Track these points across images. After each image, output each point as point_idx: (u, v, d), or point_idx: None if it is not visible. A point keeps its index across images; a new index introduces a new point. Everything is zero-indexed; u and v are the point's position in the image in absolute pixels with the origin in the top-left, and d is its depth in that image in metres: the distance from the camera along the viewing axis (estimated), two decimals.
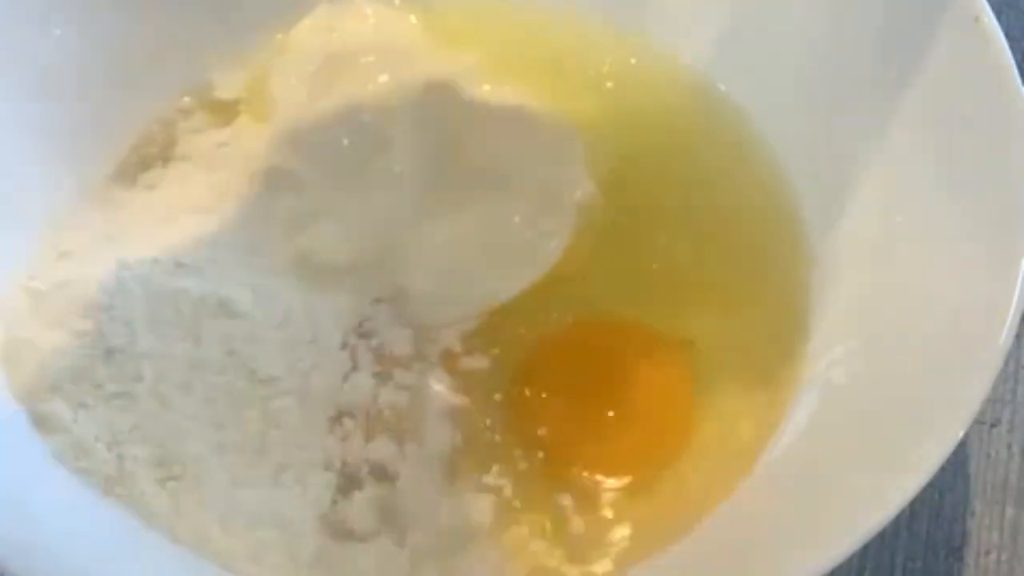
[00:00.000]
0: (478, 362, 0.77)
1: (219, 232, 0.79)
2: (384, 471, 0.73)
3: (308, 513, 0.72)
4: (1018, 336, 0.67)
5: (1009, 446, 0.81)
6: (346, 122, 0.82)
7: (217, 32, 0.87)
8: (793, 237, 0.81)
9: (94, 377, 0.73)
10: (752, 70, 0.85)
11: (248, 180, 0.82)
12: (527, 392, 0.76)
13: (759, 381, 0.77)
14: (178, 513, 0.71)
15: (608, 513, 0.73)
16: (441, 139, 0.82)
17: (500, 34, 0.89)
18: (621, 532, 0.72)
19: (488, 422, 0.75)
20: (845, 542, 0.63)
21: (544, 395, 0.76)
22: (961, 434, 0.65)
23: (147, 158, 0.84)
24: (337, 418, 0.75)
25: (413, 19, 0.89)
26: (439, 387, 0.75)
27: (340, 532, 0.72)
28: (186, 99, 0.86)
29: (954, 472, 0.79)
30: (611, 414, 0.75)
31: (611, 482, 0.73)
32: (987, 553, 0.78)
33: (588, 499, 0.73)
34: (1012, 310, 0.67)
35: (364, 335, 0.77)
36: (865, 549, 0.67)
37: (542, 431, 0.74)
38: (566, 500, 0.73)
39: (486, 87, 0.86)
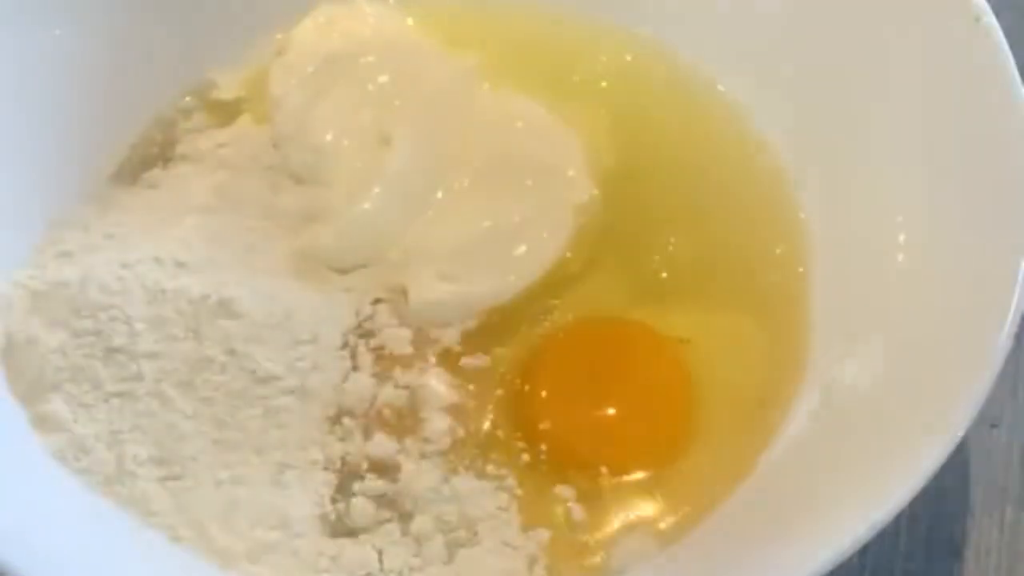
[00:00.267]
0: (478, 360, 0.77)
1: (219, 232, 0.79)
2: (384, 466, 0.73)
3: (308, 512, 0.72)
4: (1018, 336, 0.67)
5: (1009, 446, 0.81)
6: (346, 122, 0.82)
7: (217, 32, 0.87)
8: (793, 237, 0.81)
9: (94, 377, 0.73)
10: (752, 69, 0.85)
11: (248, 180, 0.82)
12: (528, 388, 0.76)
13: (759, 381, 0.77)
14: (178, 513, 0.71)
15: (609, 509, 0.73)
16: (441, 139, 0.82)
17: (500, 34, 0.89)
18: (622, 529, 0.72)
19: (490, 417, 0.75)
20: (845, 542, 0.62)
21: (545, 392, 0.76)
22: (961, 434, 0.65)
23: (147, 158, 0.84)
24: (337, 417, 0.75)
25: (412, 20, 0.89)
26: (439, 385, 0.75)
27: (340, 531, 0.72)
28: (187, 99, 0.86)
29: (954, 472, 0.79)
30: (611, 412, 0.75)
31: (612, 479, 0.73)
32: (987, 553, 0.78)
33: (590, 494, 0.73)
34: (1012, 310, 0.67)
35: (364, 335, 0.77)
36: (865, 549, 0.66)
37: (544, 425, 0.75)
38: (568, 494, 0.73)
39: (486, 87, 0.86)
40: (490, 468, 0.73)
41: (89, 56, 0.82)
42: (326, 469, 0.73)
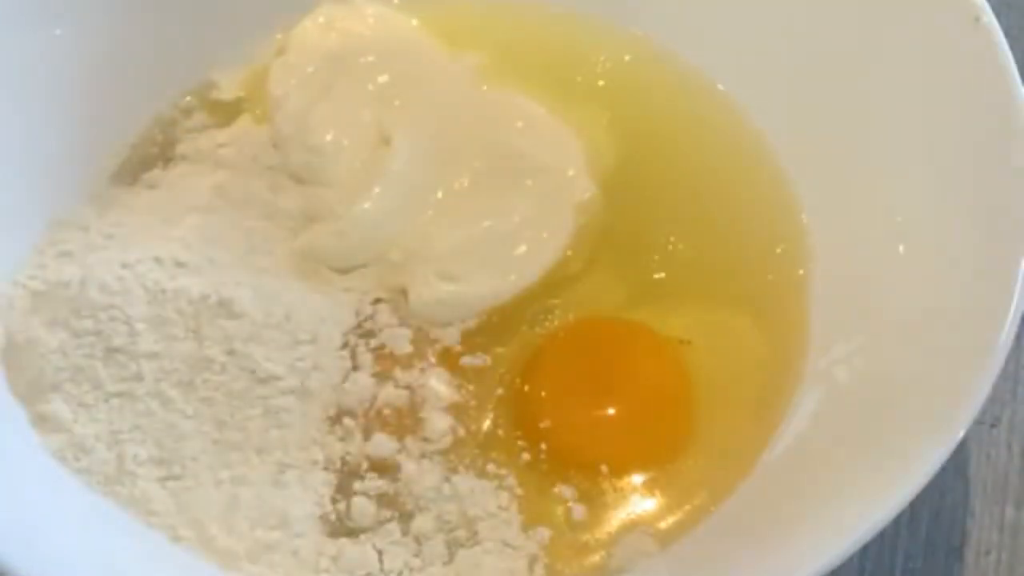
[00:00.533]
0: (479, 360, 0.77)
1: (219, 232, 0.79)
2: (385, 466, 0.73)
3: (308, 512, 0.72)
4: (1018, 336, 0.67)
5: (1009, 446, 0.81)
6: (346, 122, 0.82)
7: (217, 32, 0.87)
8: (793, 237, 0.81)
9: (94, 377, 0.73)
10: (752, 69, 0.85)
11: (248, 180, 0.82)
12: (528, 388, 0.76)
13: (759, 381, 0.77)
14: (178, 513, 0.71)
15: (610, 509, 0.73)
16: (441, 139, 0.82)
17: (500, 34, 0.89)
18: (623, 528, 0.72)
19: (490, 417, 0.75)
20: (844, 542, 0.62)
21: (545, 392, 0.76)
22: (961, 434, 0.65)
23: (147, 158, 0.84)
24: (337, 417, 0.75)
25: (413, 20, 0.89)
26: (439, 385, 0.75)
27: (340, 531, 0.72)
28: (187, 99, 0.86)
29: (954, 472, 0.79)
30: (611, 411, 0.75)
31: (613, 478, 0.73)
32: (987, 553, 0.78)
33: (590, 494, 0.73)
34: (1012, 310, 0.67)
35: (364, 335, 0.77)
36: (865, 549, 0.67)
37: (544, 424, 0.75)
38: (568, 493, 0.73)
39: (485, 87, 0.86)
40: (490, 467, 0.73)
41: (89, 56, 0.82)
42: (326, 469, 0.73)
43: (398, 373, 0.76)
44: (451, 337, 0.77)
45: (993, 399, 0.80)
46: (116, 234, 0.78)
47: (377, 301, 0.79)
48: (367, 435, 0.74)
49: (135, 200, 0.82)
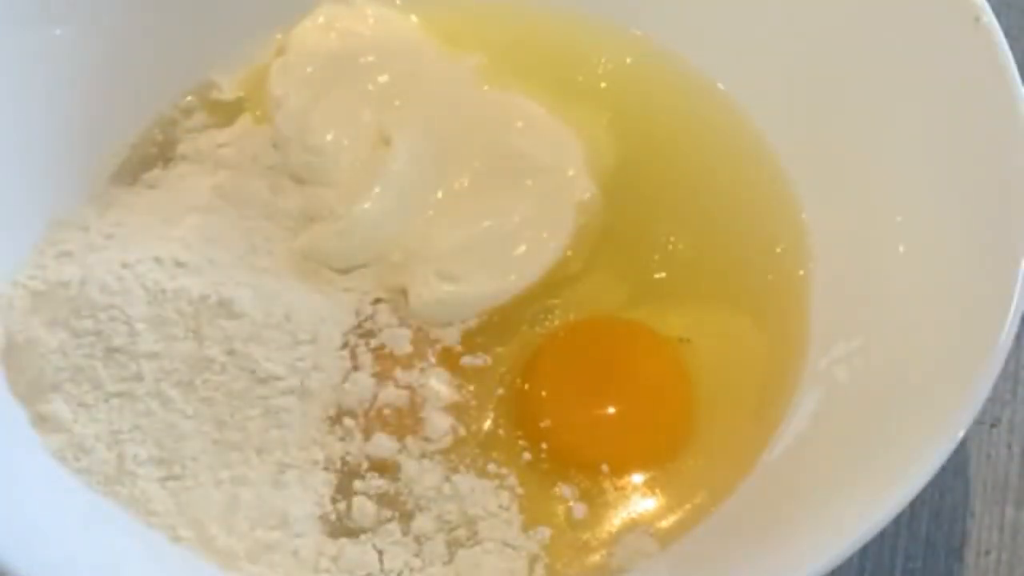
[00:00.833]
0: (479, 360, 0.77)
1: (219, 232, 0.79)
2: (385, 465, 0.73)
3: (308, 512, 0.72)
4: (1018, 336, 0.67)
5: (1009, 446, 0.81)
6: (346, 122, 0.82)
7: (217, 32, 0.87)
8: (793, 237, 0.82)
9: (94, 377, 0.73)
10: (752, 70, 0.85)
11: (248, 180, 0.82)
12: (529, 387, 0.76)
13: (759, 381, 0.77)
14: (178, 513, 0.71)
15: (610, 508, 0.73)
16: (441, 139, 0.82)
17: (500, 35, 0.89)
18: (623, 528, 0.72)
19: (490, 416, 0.75)
20: (844, 542, 0.63)
21: (546, 391, 0.76)
22: (961, 434, 0.65)
23: (147, 158, 0.84)
24: (337, 417, 0.75)
25: (413, 19, 0.89)
26: (440, 384, 0.76)
27: (340, 531, 0.72)
28: (187, 99, 0.86)
29: (954, 472, 0.79)
30: (612, 411, 0.76)
31: (613, 478, 0.73)
32: (987, 553, 0.78)
33: (591, 493, 0.73)
34: (1012, 310, 0.67)
35: (364, 335, 0.77)
36: (865, 549, 0.67)
37: (545, 424, 0.75)
38: (569, 493, 0.73)
39: (486, 88, 0.86)
40: (491, 467, 0.73)
41: (89, 56, 0.82)
42: (326, 469, 0.73)
43: (398, 373, 0.76)
44: (451, 337, 0.77)
45: (993, 399, 0.80)
46: (116, 234, 0.78)
47: (377, 301, 0.79)
48: (367, 435, 0.74)
49: (135, 200, 0.82)
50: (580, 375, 0.76)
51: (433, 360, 0.77)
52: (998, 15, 0.75)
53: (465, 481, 0.73)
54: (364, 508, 0.72)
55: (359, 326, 0.78)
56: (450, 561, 0.71)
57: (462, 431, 0.75)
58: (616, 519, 0.73)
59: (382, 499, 0.73)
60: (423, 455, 0.74)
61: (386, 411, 0.75)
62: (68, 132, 0.82)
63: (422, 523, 0.72)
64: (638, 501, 0.73)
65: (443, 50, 0.87)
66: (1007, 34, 0.74)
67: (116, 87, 0.84)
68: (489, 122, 0.84)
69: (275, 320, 0.75)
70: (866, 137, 0.80)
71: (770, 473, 0.73)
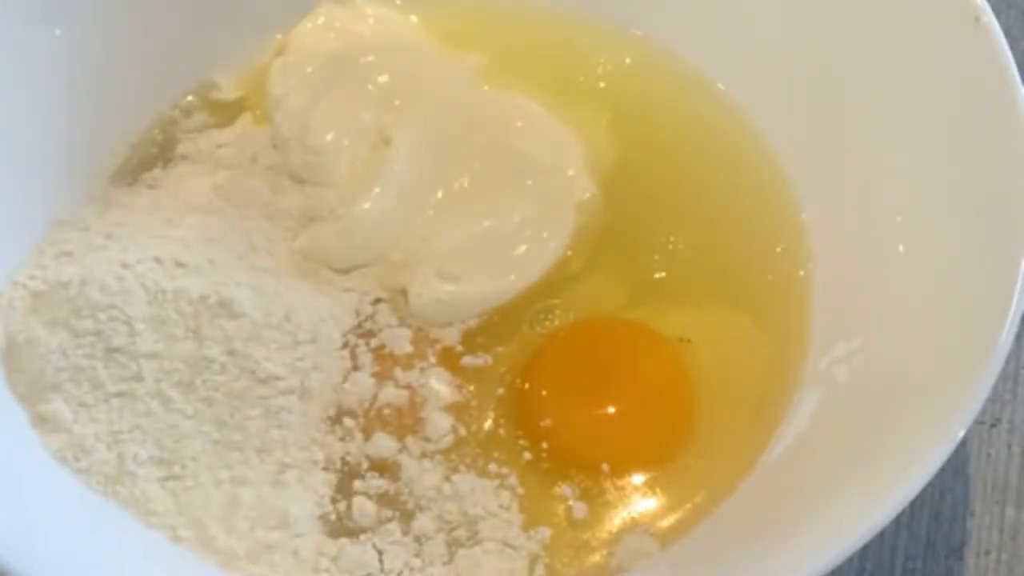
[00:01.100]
0: (479, 360, 0.77)
1: (219, 232, 0.79)
2: (385, 465, 0.73)
3: (308, 512, 0.72)
4: (1018, 336, 0.67)
5: (1009, 446, 0.81)
6: (346, 122, 0.82)
7: (217, 32, 0.87)
8: (793, 237, 0.82)
9: (94, 377, 0.73)
10: (752, 69, 0.85)
11: (248, 180, 0.82)
12: (529, 387, 0.76)
13: (759, 381, 0.77)
14: (178, 513, 0.71)
15: (611, 508, 0.73)
16: (441, 139, 0.82)
17: (500, 35, 0.89)
18: (623, 528, 0.72)
19: (491, 416, 0.75)
20: (844, 542, 0.62)
21: (546, 391, 0.76)
22: (961, 434, 0.65)
23: (147, 158, 0.84)
24: (337, 417, 0.75)
25: (413, 19, 0.89)
26: (440, 384, 0.76)
27: (340, 531, 0.72)
28: (187, 99, 0.86)
29: (954, 472, 0.79)
30: (612, 410, 0.76)
31: (614, 478, 0.73)
32: (987, 553, 0.78)
33: (591, 493, 0.73)
34: (1012, 310, 0.67)
35: (364, 335, 0.77)
36: (865, 549, 0.67)
37: (545, 423, 0.75)
38: (569, 492, 0.73)
39: (486, 88, 0.86)
40: (491, 467, 0.73)
41: (89, 56, 0.82)
42: (326, 469, 0.73)
43: (398, 373, 0.76)
44: (451, 337, 0.77)
45: (993, 399, 0.80)
46: (116, 234, 0.78)
47: (377, 301, 0.79)
48: (367, 435, 0.74)
49: (135, 200, 0.82)
50: (580, 375, 0.76)
51: (433, 360, 0.77)
52: (998, 15, 0.75)
53: (465, 481, 0.73)
54: (364, 508, 0.72)
55: (359, 326, 0.78)
56: (450, 561, 0.71)
57: (462, 431, 0.75)
58: (616, 519, 0.73)
59: (382, 499, 0.73)
60: (423, 455, 0.74)
61: (386, 411, 0.75)
62: (68, 132, 0.82)
63: (422, 523, 0.72)
64: (638, 501, 0.73)
65: (443, 50, 0.87)
66: (1007, 34, 0.74)
67: (116, 87, 0.84)
68: (489, 122, 0.84)
69: (275, 320, 0.75)
70: (866, 137, 0.80)
71: (770, 473, 0.73)
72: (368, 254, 0.80)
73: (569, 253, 0.80)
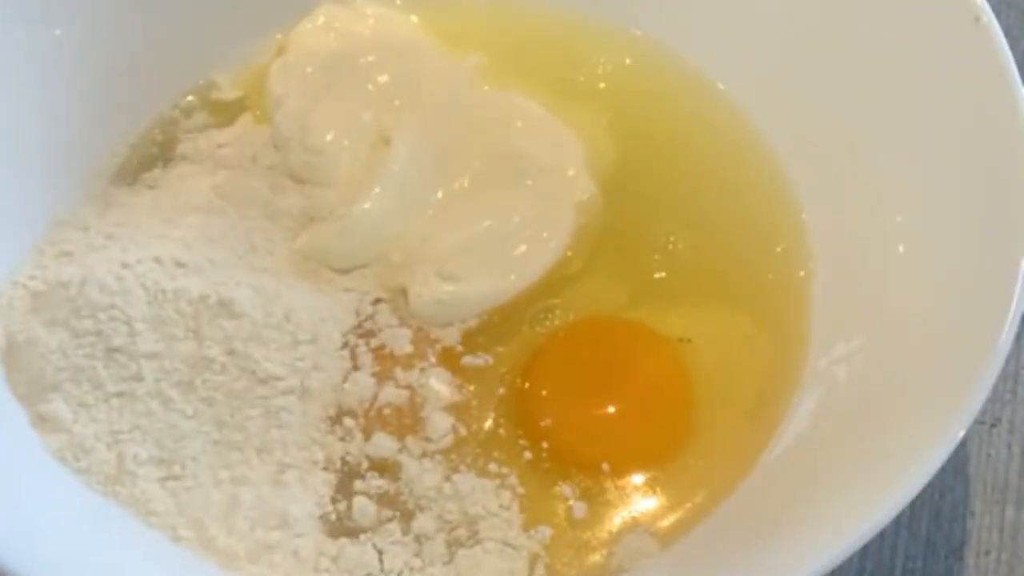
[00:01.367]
0: (479, 360, 0.77)
1: (219, 232, 0.79)
2: (385, 465, 0.73)
3: (309, 512, 0.72)
4: (1018, 336, 0.67)
5: (1009, 446, 0.81)
6: (346, 122, 0.82)
7: (217, 32, 0.87)
8: (793, 237, 0.82)
9: (94, 377, 0.73)
10: (752, 70, 0.85)
11: (248, 180, 0.82)
12: (529, 387, 0.76)
13: (759, 381, 0.77)
14: (178, 513, 0.71)
15: (611, 508, 0.73)
16: (441, 139, 0.82)
17: (500, 35, 0.89)
18: (624, 527, 0.72)
19: (491, 416, 0.75)
20: (844, 542, 0.62)
21: (546, 391, 0.76)
22: (961, 434, 0.65)
23: (147, 158, 0.84)
24: (337, 417, 0.75)
25: (413, 19, 0.89)
26: (440, 384, 0.76)
27: (340, 531, 0.72)
28: (187, 99, 0.86)
29: (954, 472, 0.79)
30: (612, 410, 0.76)
31: (614, 477, 0.73)
32: (987, 553, 0.78)
33: (592, 492, 0.73)
34: (1012, 310, 0.67)
35: (364, 335, 0.77)
36: (865, 549, 0.67)
37: (546, 423, 0.75)
38: (570, 492, 0.73)
39: (486, 88, 0.86)
40: (492, 467, 0.73)
41: (89, 56, 0.82)
42: (326, 469, 0.73)
43: (398, 373, 0.76)
44: (452, 337, 0.77)
45: (993, 399, 0.80)
46: (116, 234, 0.78)
47: (377, 301, 0.79)
48: (367, 435, 0.74)
49: (135, 200, 0.82)
50: (580, 375, 0.76)
51: (433, 360, 0.77)
52: (998, 15, 0.75)
53: (466, 481, 0.73)
54: (364, 508, 0.72)
55: (359, 326, 0.78)
56: (450, 561, 0.71)
57: (463, 431, 0.75)
58: (617, 518, 0.73)
59: (382, 499, 0.73)
60: (423, 455, 0.74)
61: (386, 411, 0.75)
62: (68, 132, 0.82)
63: (422, 523, 0.72)
64: (638, 500, 0.73)
65: (443, 50, 0.87)
66: (1007, 34, 0.74)
67: (116, 87, 0.84)
68: (489, 122, 0.84)
69: (275, 320, 0.75)
70: (866, 137, 0.80)
71: (770, 473, 0.73)
72: (368, 254, 0.80)
73: (569, 253, 0.81)
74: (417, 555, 0.71)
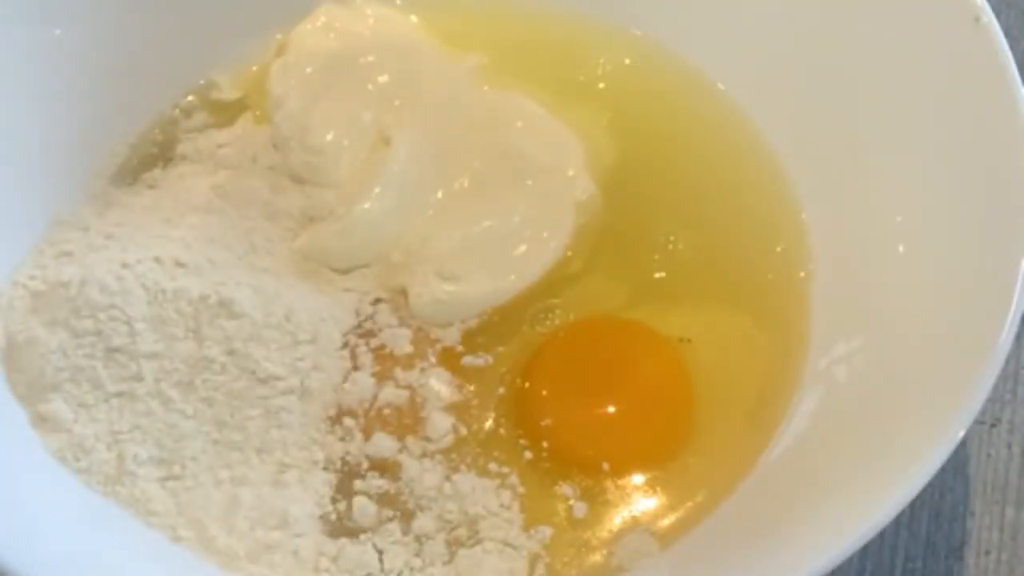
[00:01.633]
0: (480, 360, 0.77)
1: (219, 232, 0.79)
2: (386, 465, 0.73)
3: (309, 512, 0.72)
4: (1018, 336, 0.67)
5: (1009, 446, 0.81)
6: (346, 122, 0.82)
7: (217, 32, 0.87)
8: (793, 237, 0.82)
9: (94, 377, 0.73)
10: (752, 69, 0.85)
11: (248, 180, 0.82)
12: (529, 387, 0.76)
13: (759, 381, 0.77)
14: (178, 513, 0.71)
15: (611, 507, 0.73)
16: (441, 139, 0.82)
17: (500, 35, 0.89)
18: (624, 527, 0.72)
19: (491, 416, 0.75)
20: (844, 542, 0.62)
21: (546, 391, 0.76)
22: (961, 434, 0.65)
23: (147, 158, 0.84)
24: (337, 417, 0.75)
25: (413, 19, 0.89)
26: (440, 384, 0.76)
27: (341, 531, 0.72)
28: (188, 99, 0.86)
29: (954, 472, 0.79)
30: (612, 410, 0.76)
31: (614, 477, 0.73)
32: (987, 553, 0.78)
33: (592, 492, 0.73)
34: (1012, 310, 0.67)
35: (364, 335, 0.77)
36: (865, 549, 0.67)
37: (546, 423, 0.75)
38: (570, 491, 0.73)
39: (486, 88, 0.86)
40: (492, 466, 0.73)
41: (89, 56, 0.82)
42: (326, 469, 0.73)
43: (398, 373, 0.76)
44: (452, 337, 0.78)
45: (993, 399, 0.80)
46: (116, 234, 0.78)
47: (377, 301, 0.79)
48: (367, 435, 0.74)
49: (135, 200, 0.82)
50: (581, 375, 0.76)
51: (433, 360, 0.77)
52: (998, 15, 0.75)
53: (466, 480, 0.73)
54: (365, 508, 0.72)
55: (359, 326, 0.78)
56: (451, 561, 0.71)
57: (463, 431, 0.75)
58: (617, 518, 0.73)
59: (383, 499, 0.73)
60: (424, 455, 0.74)
61: (386, 411, 0.75)
62: (68, 132, 0.82)
63: (423, 523, 0.72)
64: (639, 500, 0.73)
65: (443, 50, 0.87)
66: (1007, 34, 0.74)
67: (116, 87, 0.84)
68: (489, 122, 0.84)
69: (275, 320, 0.75)
70: (866, 137, 0.80)
71: (770, 473, 0.73)
72: (368, 254, 0.80)
73: (569, 253, 0.81)
74: (417, 555, 0.71)
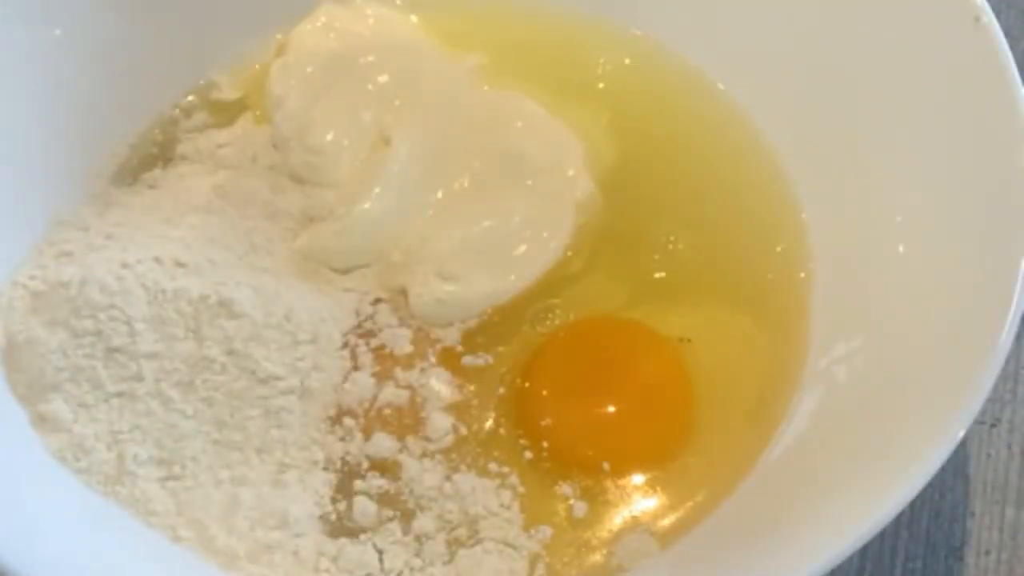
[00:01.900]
0: (480, 360, 0.77)
1: (219, 232, 0.79)
2: (386, 465, 0.73)
3: (309, 512, 0.72)
4: (1018, 336, 0.67)
5: (1009, 446, 0.81)
6: (346, 122, 0.82)
7: (217, 32, 0.87)
8: (793, 237, 0.82)
9: (94, 377, 0.73)
10: (752, 70, 0.85)
11: (248, 180, 0.82)
12: (529, 386, 0.76)
13: (759, 381, 0.77)
14: (178, 513, 0.71)
15: (611, 507, 0.73)
16: (441, 139, 0.82)
17: (500, 35, 0.89)
18: (624, 527, 0.72)
19: (491, 415, 0.75)
20: (844, 542, 0.62)
21: (546, 391, 0.76)
22: (961, 434, 0.65)
23: (147, 158, 0.84)
24: (337, 417, 0.75)
25: (413, 19, 0.89)
26: (440, 384, 0.76)
27: (341, 531, 0.72)
28: (188, 99, 0.86)
29: (954, 472, 0.79)
30: (612, 410, 0.76)
31: (614, 477, 0.73)
32: (987, 553, 0.78)
33: (592, 492, 0.73)
34: (1012, 310, 0.67)
35: (364, 335, 0.77)
36: (865, 549, 0.67)
37: (546, 423, 0.75)
38: (570, 491, 0.73)
39: (486, 88, 0.86)
40: (492, 466, 0.73)
41: (89, 56, 0.82)
42: (326, 469, 0.73)
43: (398, 373, 0.76)
44: (452, 337, 0.78)
45: (993, 399, 0.80)
46: (116, 234, 0.78)
47: (377, 301, 0.79)
48: (367, 435, 0.74)
49: (135, 200, 0.82)
50: (581, 374, 0.76)
51: (433, 360, 0.77)
52: (998, 15, 0.75)
53: (466, 480, 0.73)
54: (365, 508, 0.72)
55: (359, 326, 0.78)
56: (451, 561, 0.71)
57: (463, 430, 0.75)
58: (617, 518, 0.73)
59: (383, 499, 0.73)
60: (424, 455, 0.74)
61: (386, 411, 0.75)
62: (68, 132, 0.82)
63: (423, 523, 0.72)
64: (639, 500, 0.73)
65: (443, 50, 0.87)
66: (1007, 34, 0.74)
67: (116, 87, 0.84)
68: (489, 122, 0.84)
69: (275, 320, 0.75)
70: (866, 137, 0.80)
71: (770, 473, 0.73)
72: (368, 254, 0.80)
73: (569, 253, 0.81)
74: (417, 555, 0.71)
